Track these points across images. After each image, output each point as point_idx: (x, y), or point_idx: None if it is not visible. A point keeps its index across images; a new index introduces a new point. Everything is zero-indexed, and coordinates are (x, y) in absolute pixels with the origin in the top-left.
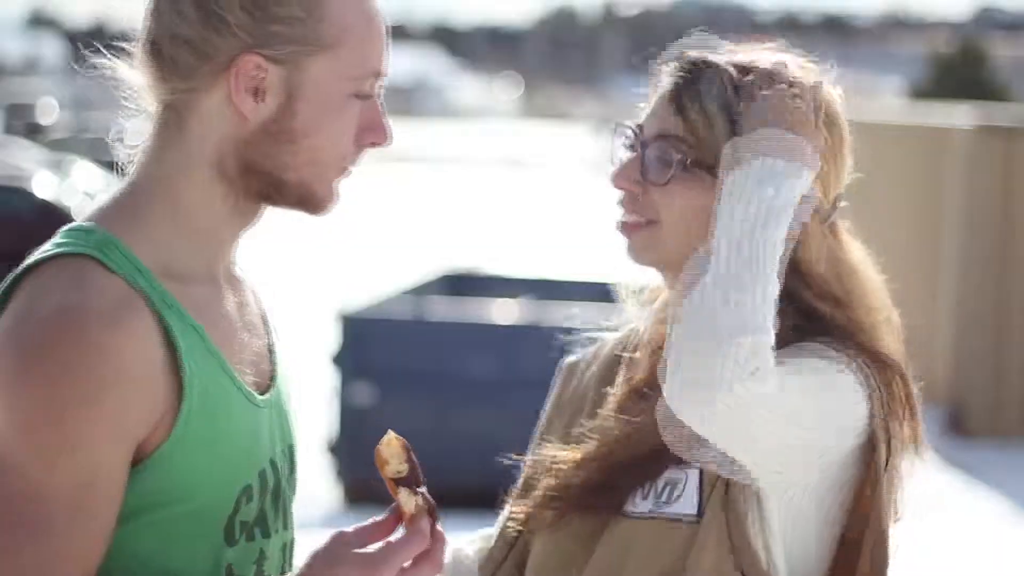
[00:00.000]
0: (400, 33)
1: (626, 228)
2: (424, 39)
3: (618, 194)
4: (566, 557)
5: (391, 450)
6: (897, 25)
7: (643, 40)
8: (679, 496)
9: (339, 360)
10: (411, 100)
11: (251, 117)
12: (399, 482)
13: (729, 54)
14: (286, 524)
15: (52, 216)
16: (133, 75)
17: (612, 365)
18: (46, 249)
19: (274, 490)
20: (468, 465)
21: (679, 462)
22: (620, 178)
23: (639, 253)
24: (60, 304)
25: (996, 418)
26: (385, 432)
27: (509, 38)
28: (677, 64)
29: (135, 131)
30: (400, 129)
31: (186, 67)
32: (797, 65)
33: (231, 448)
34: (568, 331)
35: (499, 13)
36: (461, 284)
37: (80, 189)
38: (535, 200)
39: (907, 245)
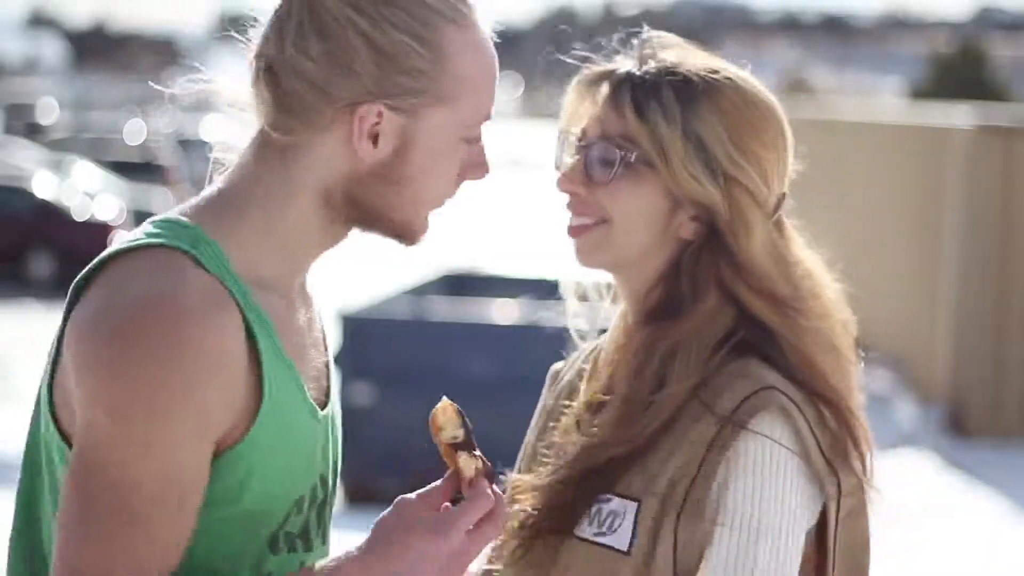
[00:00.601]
0: None
1: (575, 231)
2: None
3: (565, 198)
4: None
5: (446, 416)
6: (897, 25)
7: None
8: (617, 528)
9: (339, 360)
10: None
11: (366, 160)
12: (456, 447)
13: (654, 51)
14: (324, 539)
15: (52, 216)
16: (235, 88)
17: (578, 376)
18: (136, 237)
19: (320, 504)
20: None
21: (630, 471)
22: (565, 180)
23: (590, 254)
24: (152, 293)
25: (996, 418)
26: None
27: (509, 38)
28: (610, 66)
29: (225, 134)
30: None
31: (303, 103)
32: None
33: (294, 458)
34: (568, 331)
35: (499, 13)
36: (461, 284)
37: (80, 189)
38: (535, 200)
39: (907, 245)
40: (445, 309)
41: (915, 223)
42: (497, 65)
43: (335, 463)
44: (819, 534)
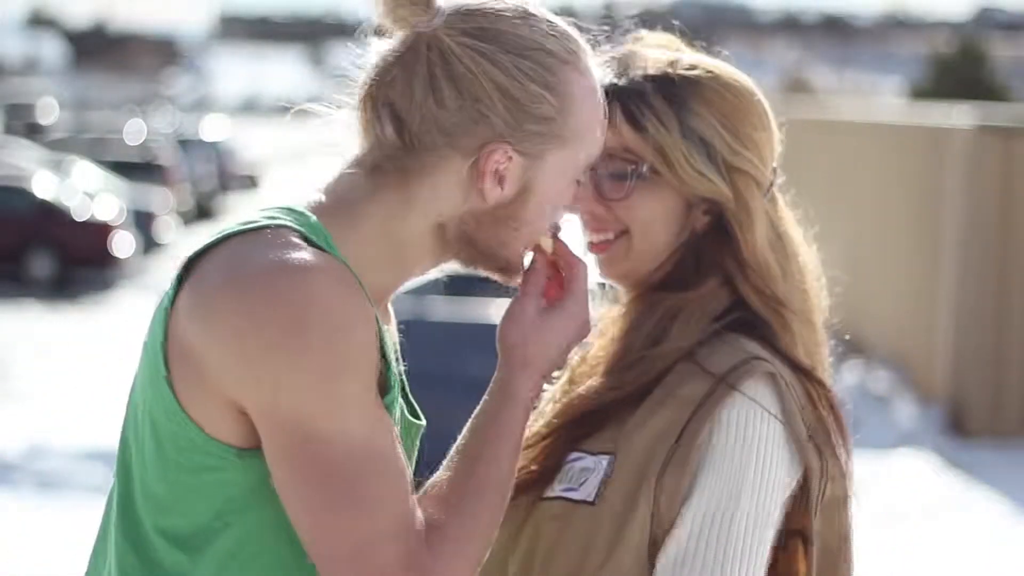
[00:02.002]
0: None
1: (599, 247)
2: None
3: (582, 218)
4: (500, 549)
5: None
6: (897, 25)
7: None
8: (587, 481)
9: None
10: None
11: (491, 201)
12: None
13: (629, 57)
14: None
15: (52, 216)
16: (348, 119)
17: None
18: (253, 219)
19: None
20: None
21: (605, 429)
22: (581, 202)
23: (615, 266)
24: (293, 261)
25: (996, 418)
26: None
27: None
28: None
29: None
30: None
31: (431, 144)
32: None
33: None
34: None
35: None
36: (461, 284)
37: (80, 189)
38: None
39: (907, 245)
40: (445, 309)
41: (915, 223)
42: (606, 106)
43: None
44: (794, 512)
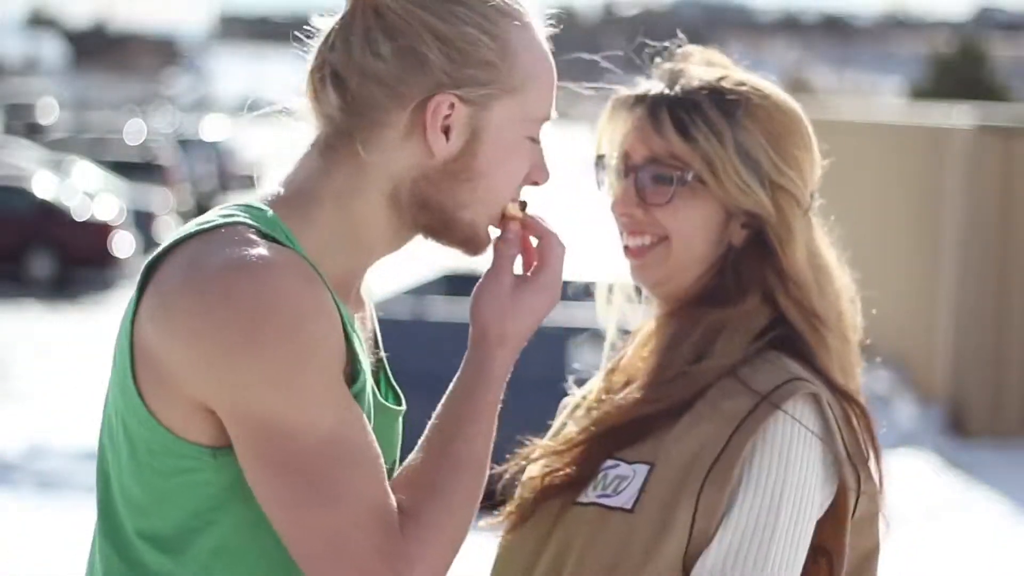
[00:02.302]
0: None
1: (637, 252)
2: None
3: (620, 220)
4: (528, 552)
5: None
6: (897, 25)
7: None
8: (623, 489)
9: None
10: None
11: (438, 154)
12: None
13: (681, 66)
14: None
15: (52, 216)
16: (298, 99)
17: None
18: (210, 219)
19: None
20: None
21: (643, 439)
22: (621, 204)
23: (651, 271)
24: (248, 258)
25: (996, 418)
26: None
27: None
28: (641, 89)
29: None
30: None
31: (374, 102)
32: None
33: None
34: (568, 331)
35: None
36: (461, 284)
37: (80, 189)
38: (535, 200)
39: (907, 245)
40: (445, 309)
41: (915, 223)
42: (554, 66)
43: (393, 462)
44: (823, 530)
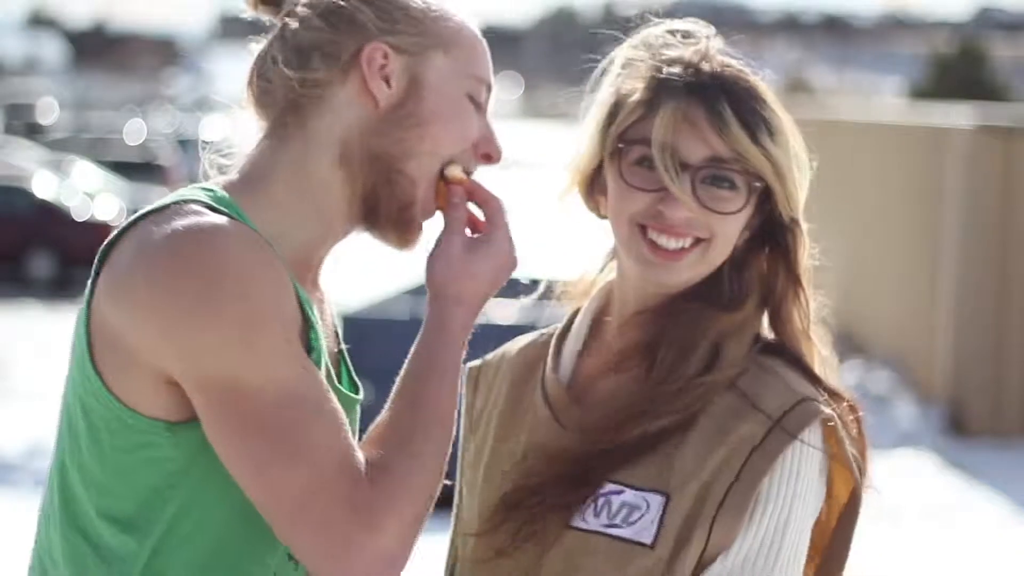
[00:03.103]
0: None
1: (674, 254)
2: None
3: (656, 219)
4: (518, 567)
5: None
6: (897, 25)
7: None
8: (636, 521)
9: None
10: None
11: (381, 101)
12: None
13: (729, 61)
14: None
15: (52, 216)
16: (248, 92)
17: (526, 368)
18: (161, 201)
19: None
20: None
21: (645, 461)
22: (680, 207)
23: (682, 274)
24: (195, 226)
25: (996, 418)
26: None
27: (509, 38)
28: (693, 78)
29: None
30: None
31: (314, 70)
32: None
33: None
34: None
35: (499, 13)
36: None
37: (80, 189)
38: (535, 200)
39: (907, 245)
40: None
41: (915, 223)
42: (484, 41)
43: None
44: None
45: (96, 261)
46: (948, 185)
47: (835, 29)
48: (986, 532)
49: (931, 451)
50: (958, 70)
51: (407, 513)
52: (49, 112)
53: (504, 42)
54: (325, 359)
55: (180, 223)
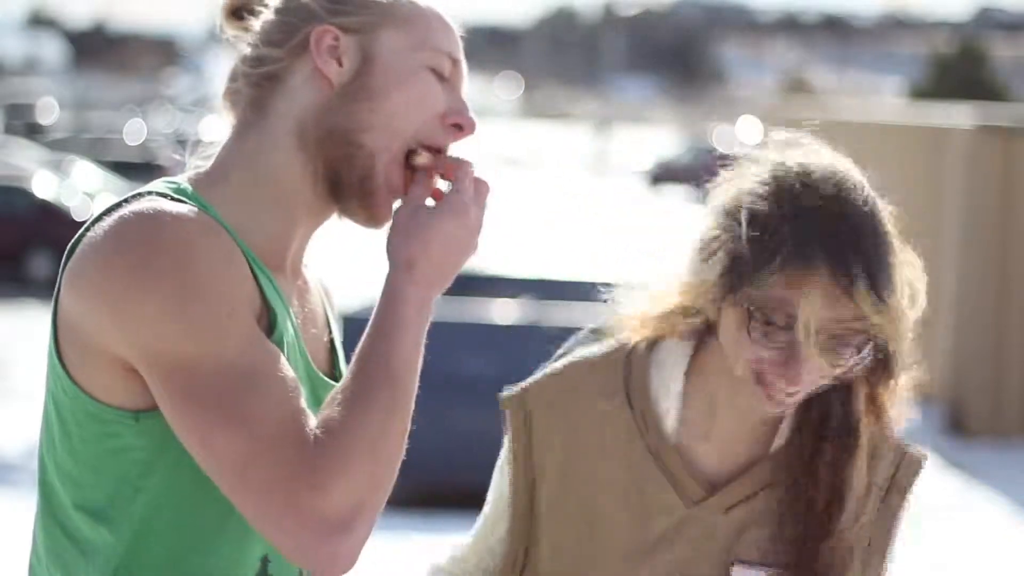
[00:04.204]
0: None
1: (790, 396)
2: None
3: (779, 379)
4: None
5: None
6: (897, 25)
7: (643, 40)
8: None
9: None
10: None
11: (334, 79)
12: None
13: (829, 188)
14: None
15: (52, 216)
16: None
17: (599, 421)
18: (123, 197)
19: None
20: (468, 465)
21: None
22: (806, 380)
23: (779, 406)
24: (144, 212)
25: (996, 418)
26: None
27: (509, 38)
28: (832, 242)
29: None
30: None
31: (270, 60)
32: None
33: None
34: (568, 331)
35: (499, 13)
36: (461, 284)
37: (80, 189)
38: (535, 200)
39: (906, 245)
40: (445, 309)
41: (915, 223)
42: (444, 15)
43: None
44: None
45: (64, 258)
46: (948, 185)
47: (835, 29)
48: (986, 532)
49: (931, 451)
50: (958, 70)
51: (356, 473)
52: (49, 112)
53: (504, 42)
54: (296, 344)
55: (128, 209)
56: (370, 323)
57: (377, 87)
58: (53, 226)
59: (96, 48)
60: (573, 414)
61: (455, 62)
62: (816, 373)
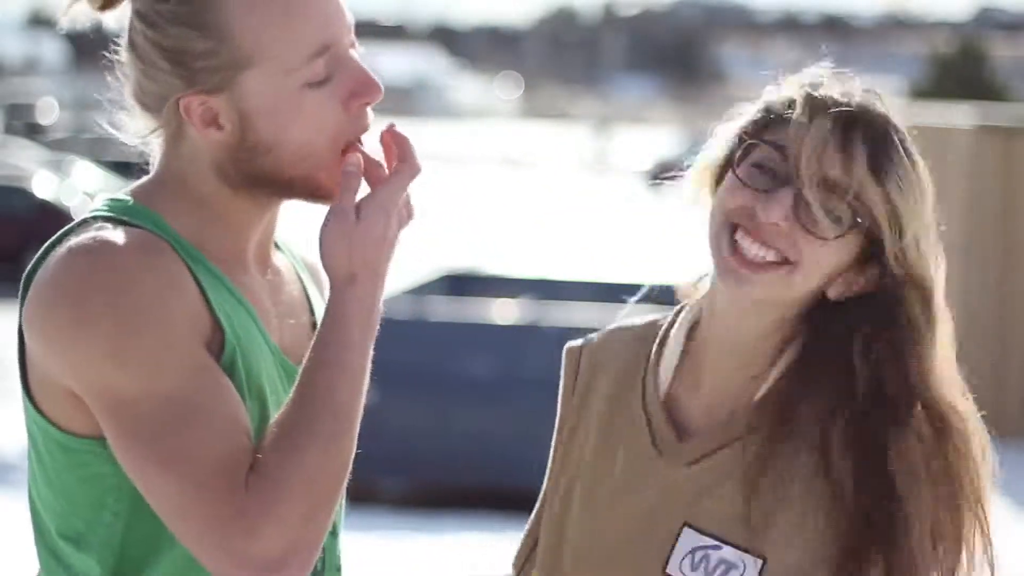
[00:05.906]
0: (399, 33)
1: (754, 266)
2: (424, 39)
3: (747, 221)
4: None
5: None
6: (897, 25)
7: (643, 40)
8: None
9: None
10: (411, 100)
11: (223, 142)
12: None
13: (874, 96)
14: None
15: (52, 216)
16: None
17: (629, 369)
18: (75, 221)
19: None
20: (468, 465)
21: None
22: (766, 210)
23: (757, 290)
24: (82, 247)
25: (996, 418)
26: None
27: (509, 38)
28: (835, 93)
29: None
30: (400, 129)
31: (156, 110)
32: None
33: (262, 402)
34: (568, 331)
35: (499, 13)
36: (461, 284)
37: (80, 189)
38: (535, 200)
39: None
40: (445, 309)
41: None
42: (292, 8)
43: None
44: None
45: (21, 289)
46: (948, 185)
47: (835, 29)
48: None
49: None
50: (958, 70)
51: (288, 515)
52: (49, 112)
53: (504, 42)
54: (264, 345)
55: (67, 246)
56: (313, 345)
57: (269, 136)
58: (53, 226)
59: (96, 48)
60: (612, 371)
61: (327, 48)
62: (790, 220)
